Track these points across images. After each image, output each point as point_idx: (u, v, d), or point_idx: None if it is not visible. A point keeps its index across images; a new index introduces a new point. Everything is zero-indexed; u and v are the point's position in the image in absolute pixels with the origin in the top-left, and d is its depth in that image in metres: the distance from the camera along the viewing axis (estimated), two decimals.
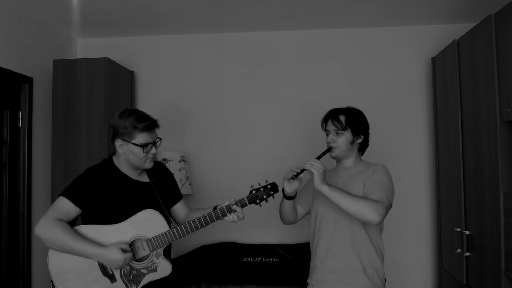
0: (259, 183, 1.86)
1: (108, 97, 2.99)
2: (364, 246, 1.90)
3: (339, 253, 1.91)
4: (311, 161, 1.80)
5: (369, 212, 1.73)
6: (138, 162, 1.84)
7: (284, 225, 2.13)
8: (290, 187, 1.88)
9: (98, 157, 2.83)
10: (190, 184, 3.14)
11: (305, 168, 1.81)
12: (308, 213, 2.11)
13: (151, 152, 1.84)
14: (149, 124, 1.82)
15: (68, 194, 1.80)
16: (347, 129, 1.94)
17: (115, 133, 1.82)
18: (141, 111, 1.87)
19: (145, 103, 3.49)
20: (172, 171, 2.89)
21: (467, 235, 2.50)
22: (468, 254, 2.49)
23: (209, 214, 1.82)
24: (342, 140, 1.94)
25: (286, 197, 1.95)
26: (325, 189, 1.77)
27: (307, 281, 2.04)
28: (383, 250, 1.97)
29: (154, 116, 1.91)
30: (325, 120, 2.02)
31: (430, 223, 3.26)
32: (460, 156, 2.61)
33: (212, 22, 3.24)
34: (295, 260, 2.89)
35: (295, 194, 1.95)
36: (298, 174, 1.84)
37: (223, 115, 3.44)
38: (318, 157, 1.88)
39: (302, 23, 3.27)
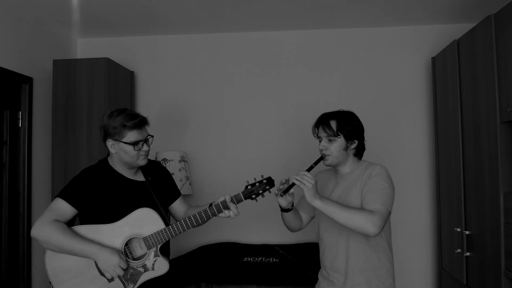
0: (254, 178, 1.85)
1: (108, 97, 2.99)
2: (366, 257, 1.84)
3: (342, 265, 1.86)
4: (300, 175, 1.70)
5: (365, 225, 1.66)
6: (131, 160, 1.84)
7: (291, 232, 2.08)
8: (283, 201, 1.83)
9: (98, 157, 2.82)
10: (190, 184, 3.14)
11: (294, 183, 1.72)
12: (313, 216, 2.05)
13: (142, 149, 1.85)
14: (138, 121, 1.83)
15: (64, 195, 1.81)
16: (339, 135, 1.83)
17: (106, 134, 1.84)
18: (130, 110, 1.89)
19: (145, 103, 3.49)
20: (172, 171, 2.91)
21: (467, 235, 2.50)
22: (468, 254, 2.49)
23: (205, 211, 1.83)
24: (335, 147, 1.84)
25: (283, 210, 1.90)
26: (317, 204, 1.68)
27: (316, 286, 2.03)
28: (391, 256, 1.90)
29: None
30: (316, 126, 1.92)
31: (430, 223, 3.26)
32: (460, 156, 2.61)
33: (212, 22, 3.24)
34: (295, 260, 2.89)
35: (292, 205, 1.90)
36: (287, 189, 1.78)
37: (223, 115, 3.44)
38: (309, 168, 1.79)
39: (302, 23, 3.27)
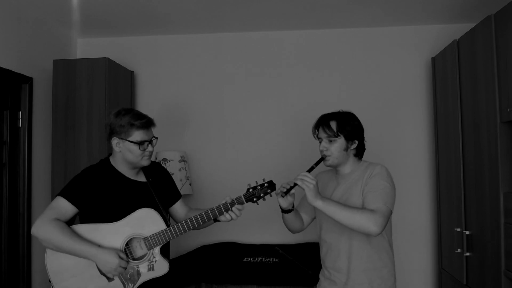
0: (256, 182, 1.86)
1: (108, 97, 2.99)
2: (368, 256, 1.85)
3: (344, 265, 1.87)
4: (301, 176, 1.72)
5: (367, 225, 1.66)
6: (135, 159, 1.85)
7: (292, 233, 2.09)
8: (284, 202, 1.84)
9: (98, 157, 2.83)
10: (190, 184, 3.14)
11: (296, 183, 1.74)
12: (314, 217, 2.06)
13: (147, 150, 1.86)
14: (145, 122, 1.84)
15: (65, 193, 1.81)
16: (339, 136, 1.84)
17: (112, 132, 1.85)
18: (137, 110, 1.90)
19: (145, 103, 3.49)
20: (172, 171, 2.91)
21: (467, 235, 2.50)
22: (468, 254, 2.49)
23: (206, 212, 1.83)
24: (335, 148, 1.85)
25: (284, 211, 1.91)
26: (319, 204, 1.69)
27: (317, 286, 2.03)
28: (392, 256, 1.91)
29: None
30: (316, 127, 1.93)
31: (430, 223, 3.26)
32: (460, 156, 2.61)
33: (212, 22, 3.24)
34: (295, 260, 2.89)
35: (293, 206, 1.91)
36: (288, 190, 1.78)
37: (223, 115, 3.44)
38: (310, 169, 1.80)
39: (302, 23, 3.27)
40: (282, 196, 1.80)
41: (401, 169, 3.21)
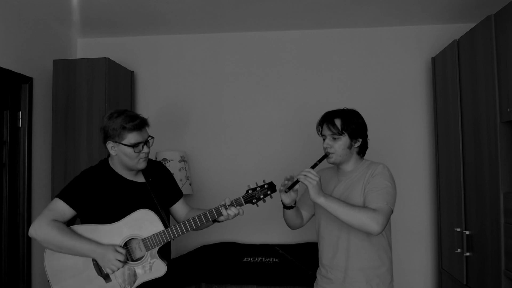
0: (256, 183, 1.84)
1: (108, 97, 2.98)
2: (367, 255, 1.85)
3: (342, 262, 1.87)
4: (305, 172, 1.72)
5: (368, 223, 1.67)
6: (131, 162, 1.83)
7: (291, 229, 2.09)
8: (287, 198, 1.84)
9: (98, 157, 2.83)
10: (190, 184, 3.14)
11: (299, 180, 1.74)
12: (313, 214, 2.07)
13: (143, 151, 1.83)
14: (137, 123, 1.81)
15: (63, 195, 1.81)
16: (343, 133, 1.85)
17: (106, 135, 1.83)
18: (130, 111, 1.87)
19: (145, 103, 3.49)
20: (172, 171, 2.89)
21: (467, 235, 2.50)
22: (468, 254, 2.49)
23: (204, 214, 1.82)
24: (339, 145, 1.86)
25: (286, 207, 1.91)
26: (321, 201, 1.71)
27: (314, 285, 2.04)
28: (390, 255, 1.91)
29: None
30: (320, 124, 1.93)
31: (430, 223, 3.26)
32: (460, 156, 2.61)
33: (212, 22, 3.24)
34: (295, 260, 2.89)
35: (295, 203, 1.91)
36: (291, 186, 1.79)
37: (223, 115, 3.44)
38: (314, 166, 1.80)
39: (301, 23, 3.27)
40: (286, 192, 1.81)
41: (401, 169, 3.21)
